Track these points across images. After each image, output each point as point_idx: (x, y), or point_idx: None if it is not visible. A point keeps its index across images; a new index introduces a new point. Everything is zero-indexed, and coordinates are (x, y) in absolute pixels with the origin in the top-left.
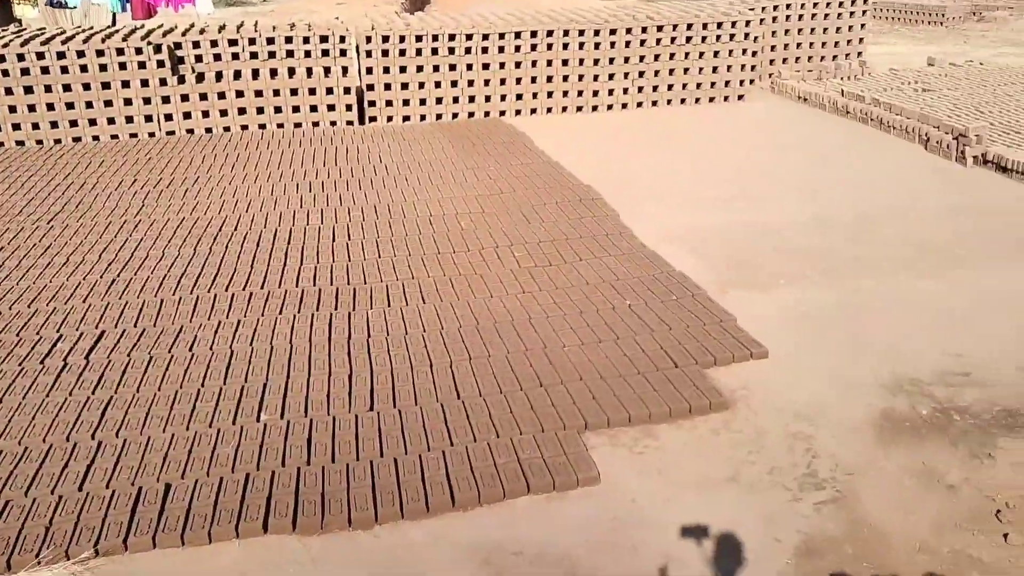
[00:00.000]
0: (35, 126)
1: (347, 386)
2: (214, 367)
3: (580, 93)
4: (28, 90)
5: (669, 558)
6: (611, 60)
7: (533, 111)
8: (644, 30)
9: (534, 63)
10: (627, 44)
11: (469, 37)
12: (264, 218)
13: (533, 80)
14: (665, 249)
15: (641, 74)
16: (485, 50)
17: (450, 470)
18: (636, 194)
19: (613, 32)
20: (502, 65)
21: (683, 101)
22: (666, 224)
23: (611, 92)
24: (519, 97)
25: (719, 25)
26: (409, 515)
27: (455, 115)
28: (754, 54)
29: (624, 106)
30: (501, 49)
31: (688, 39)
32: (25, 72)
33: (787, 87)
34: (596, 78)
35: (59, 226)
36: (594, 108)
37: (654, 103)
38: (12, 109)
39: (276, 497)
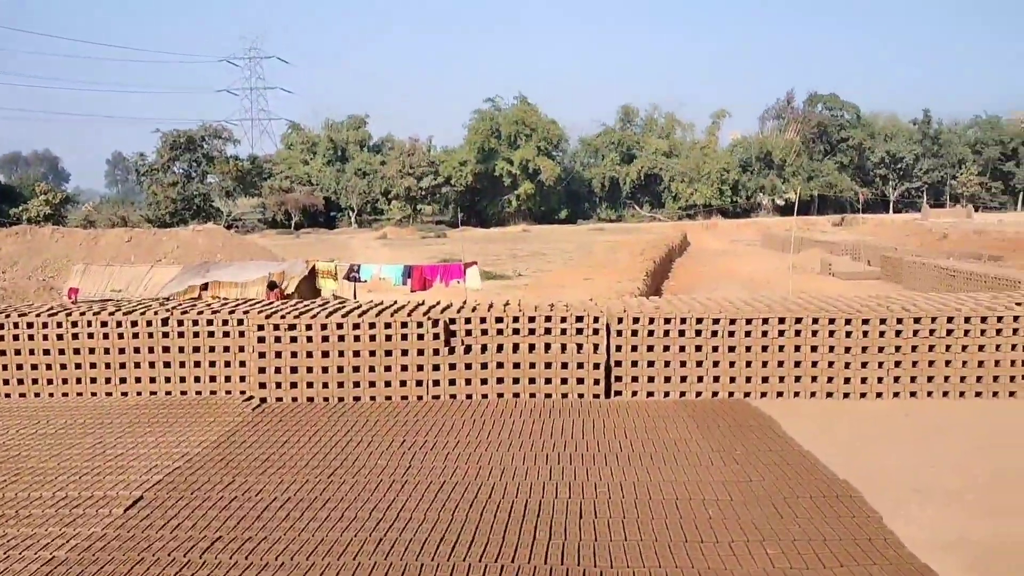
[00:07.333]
0: (324, 385)
1: None
2: None
3: (830, 379)
4: (325, 354)
5: None
6: (863, 349)
7: (780, 394)
8: (899, 321)
9: (781, 348)
10: (881, 334)
11: (716, 321)
12: (516, 487)
13: (780, 364)
14: (940, 562)
15: (898, 364)
16: (732, 334)
17: None
18: (897, 494)
19: (866, 322)
20: (748, 349)
21: (945, 394)
22: (937, 532)
23: (864, 380)
24: (765, 380)
25: (983, 319)
26: None
27: (699, 394)
28: None
29: (879, 395)
30: (748, 334)
31: (949, 332)
32: (325, 339)
33: None
34: (847, 365)
35: (336, 481)
36: (845, 395)
37: (912, 394)
38: (309, 370)
39: None
